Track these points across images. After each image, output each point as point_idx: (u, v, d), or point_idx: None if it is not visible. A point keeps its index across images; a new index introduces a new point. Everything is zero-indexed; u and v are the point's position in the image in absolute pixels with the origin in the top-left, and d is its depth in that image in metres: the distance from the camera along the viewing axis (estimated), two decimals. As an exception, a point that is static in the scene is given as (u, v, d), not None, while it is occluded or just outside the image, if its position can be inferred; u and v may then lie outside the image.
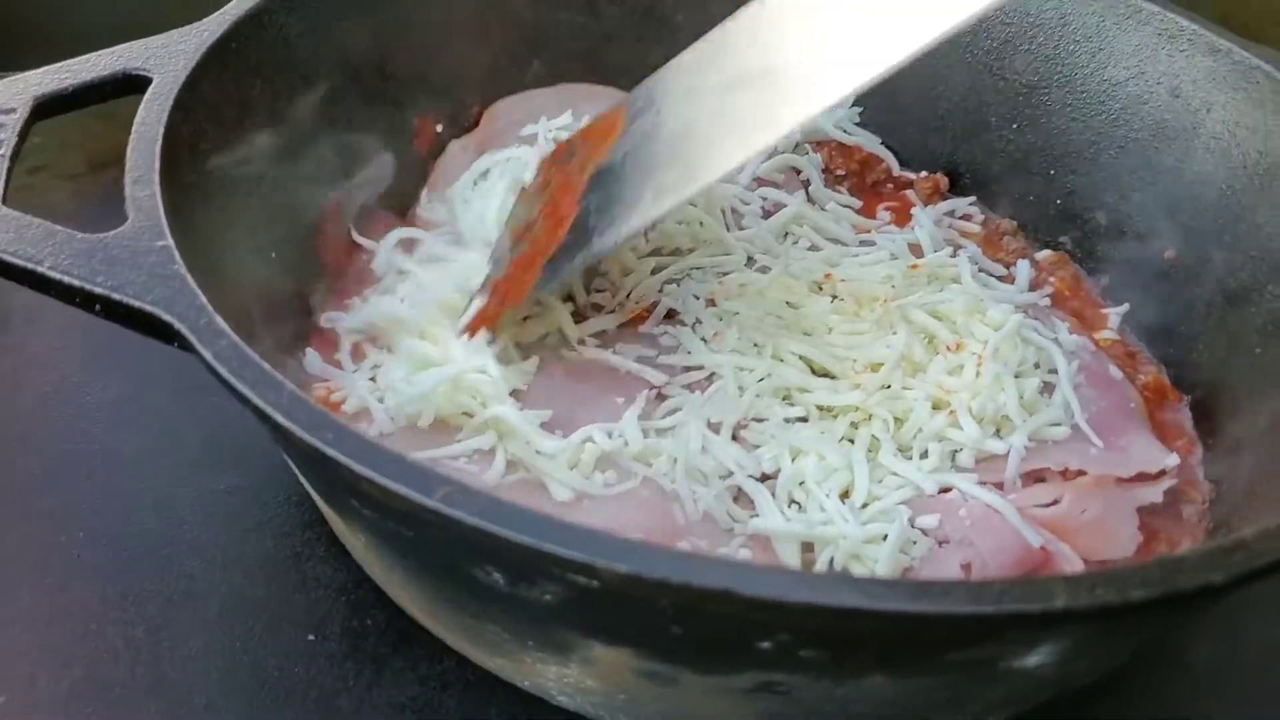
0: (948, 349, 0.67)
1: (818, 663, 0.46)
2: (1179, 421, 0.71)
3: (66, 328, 0.77)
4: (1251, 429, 0.66)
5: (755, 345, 0.67)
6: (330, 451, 0.44)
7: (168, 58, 0.65)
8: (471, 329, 0.65)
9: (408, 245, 0.75)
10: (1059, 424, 0.65)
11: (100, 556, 0.65)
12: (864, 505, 0.61)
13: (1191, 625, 0.65)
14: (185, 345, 0.50)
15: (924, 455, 0.63)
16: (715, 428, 0.64)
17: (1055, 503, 0.61)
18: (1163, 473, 0.65)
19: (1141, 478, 0.64)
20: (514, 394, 0.64)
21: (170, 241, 0.54)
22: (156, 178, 0.57)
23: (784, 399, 0.65)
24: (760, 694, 0.49)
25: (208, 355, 0.49)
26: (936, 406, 0.64)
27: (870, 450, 0.63)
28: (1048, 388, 0.66)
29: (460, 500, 0.43)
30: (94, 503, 0.68)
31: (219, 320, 0.50)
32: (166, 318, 0.51)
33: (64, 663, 0.60)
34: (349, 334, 0.69)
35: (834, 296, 0.71)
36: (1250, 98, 0.71)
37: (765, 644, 0.44)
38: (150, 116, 0.61)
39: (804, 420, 0.65)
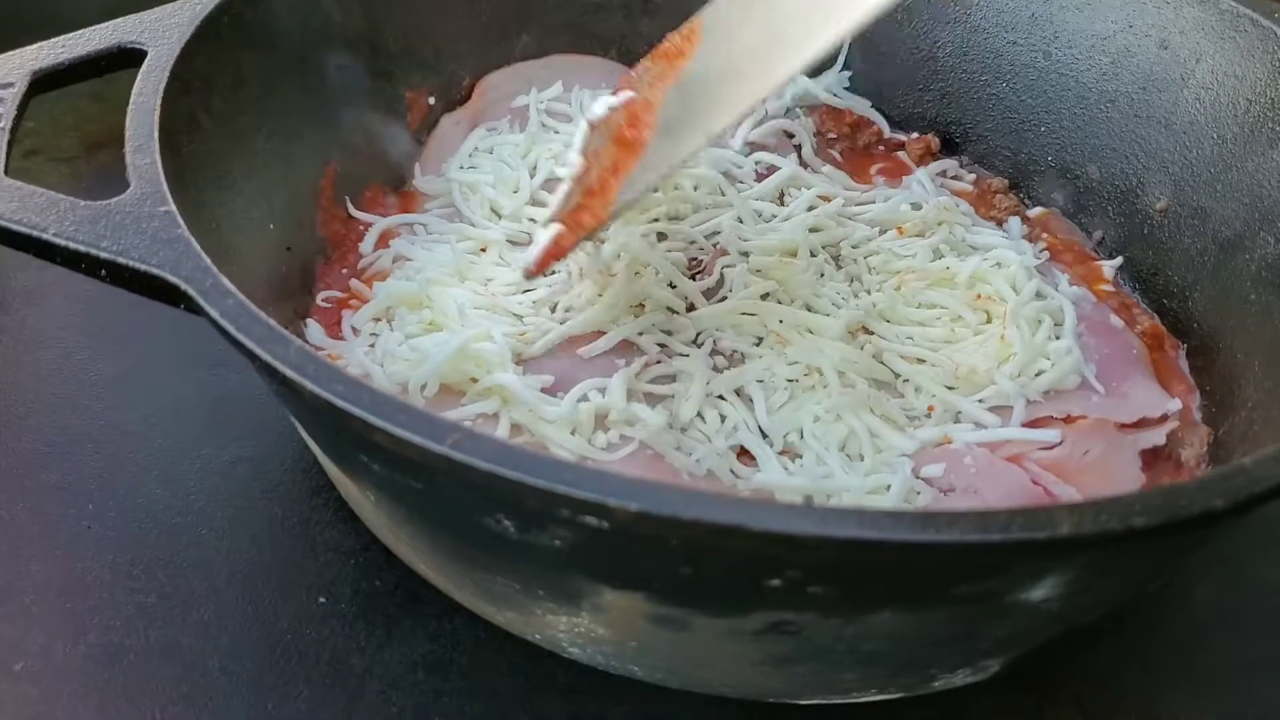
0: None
1: (827, 599, 0.46)
2: (1177, 368, 0.71)
3: (66, 306, 0.78)
4: (1247, 374, 0.67)
5: (759, 299, 0.68)
6: (341, 403, 0.45)
7: (162, 31, 0.65)
8: (540, 264, 0.64)
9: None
10: (1068, 373, 0.66)
11: (109, 528, 0.65)
12: (862, 457, 0.62)
13: (1192, 567, 0.66)
14: (192, 307, 0.51)
15: (928, 414, 0.65)
16: (713, 389, 0.65)
17: (1057, 446, 0.62)
18: (1165, 417, 0.66)
19: (1144, 423, 0.65)
20: (517, 361, 0.65)
21: (173, 207, 0.54)
22: (156, 145, 0.57)
23: (789, 364, 0.66)
24: (771, 635, 0.49)
25: (215, 314, 0.49)
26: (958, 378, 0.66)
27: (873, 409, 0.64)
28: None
29: (470, 445, 0.43)
30: (101, 476, 0.68)
31: (224, 280, 0.50)
32: (173, 279, 0.51)
33: (78, 630, 0.60)
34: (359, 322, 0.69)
35: (838, 258, 0.73)
36: (1239, 47, 0.72)
37: (775, 581, 0.45)
38: (147, 88, 0.61)
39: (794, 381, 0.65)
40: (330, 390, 0.45)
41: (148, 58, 0.64)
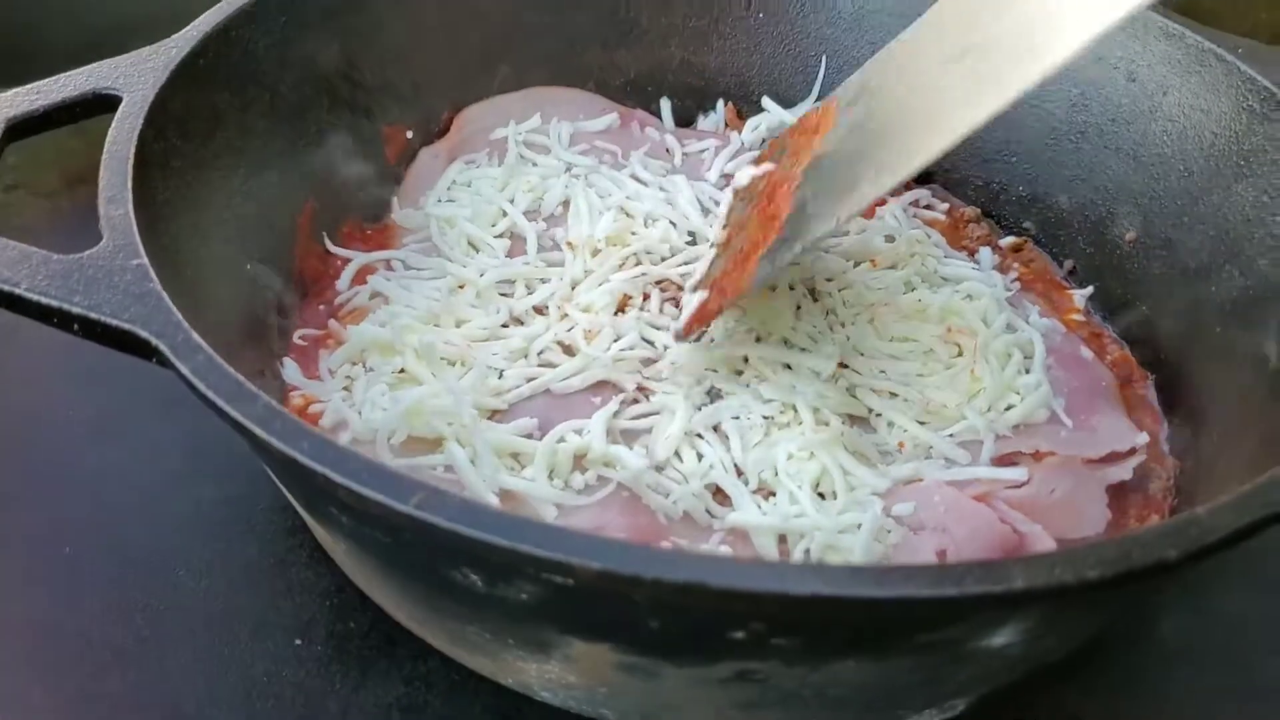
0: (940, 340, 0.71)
1: (791, 650, 0.47)
2: (1145, 399, 0.72)
3: (45, 347, 0.77)
4: (1212, 407, 0.68)
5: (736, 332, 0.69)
6: (306, 461, 0.45)
7: (137, 76, 0.65)
8: (688, 327, 0.68)
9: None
10: (1037, 407, 0.67)
11: (87, 570, 0.66)
12: (835, 495, 0.62)
13: (1159, 599, 0.67)
14: (163, 361, 0.51)
15: (899, 449, 0.65)
16: (691, 426, 0.65)
17: (1025, 484, 0.63)
18: (1133, 450, 0.66)
19: (1112, 456, 0.66)
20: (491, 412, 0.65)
21: (145, 260, 0.55)
22: (129, 196, 0.58)
23: (765, 401, 0.66)
24: (738, 683, 0.50)
25: (185, 370, 0.50)
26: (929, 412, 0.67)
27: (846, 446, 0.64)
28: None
29: (434, 505, 0.44)
30: (78, 518, 0.68)
31: (195, 336, 0.51)
32: (144, 335, 0.52)
33: (57, 676, 0.61)
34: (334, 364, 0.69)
35: (813, 291, 0.73)
36: (1204, 81, 0.73)
37: (739, 634, 0.46)
38: (121, 135, 0.61)
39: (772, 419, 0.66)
40: (295, 447, 0.46)
41: (123, 103, 0.64)
